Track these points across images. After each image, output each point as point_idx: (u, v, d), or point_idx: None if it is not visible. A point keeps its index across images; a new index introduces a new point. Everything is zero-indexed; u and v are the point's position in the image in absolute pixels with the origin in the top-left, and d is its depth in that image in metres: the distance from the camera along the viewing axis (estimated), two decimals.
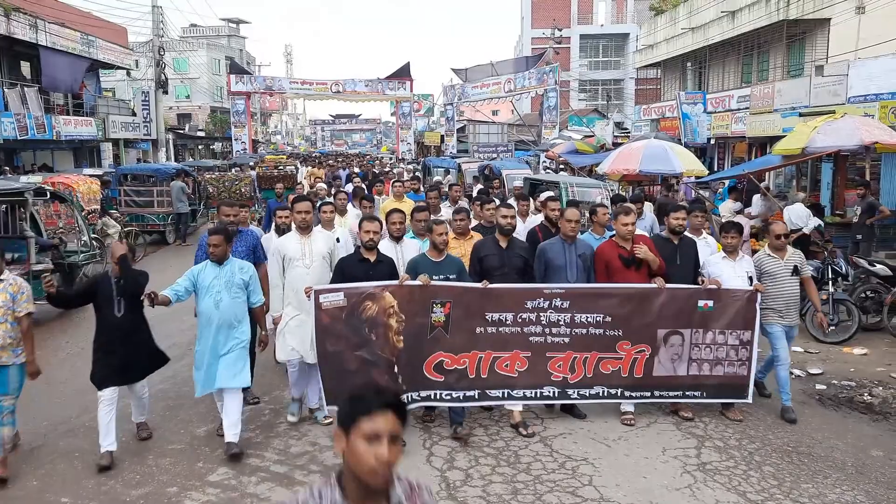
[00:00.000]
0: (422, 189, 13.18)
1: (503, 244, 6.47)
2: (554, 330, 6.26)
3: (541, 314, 6.23)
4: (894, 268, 9.84)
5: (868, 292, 9.74)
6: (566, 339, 6.28)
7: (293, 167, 21.59)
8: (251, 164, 23.96)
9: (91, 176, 17.02)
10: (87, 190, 15.06)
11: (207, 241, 5.96)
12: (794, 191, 16.36)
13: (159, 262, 14.91)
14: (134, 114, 32.94)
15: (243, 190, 18.66)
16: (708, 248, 7.22)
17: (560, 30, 41.11)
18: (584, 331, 6.29)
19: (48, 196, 12.02)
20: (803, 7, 20.59)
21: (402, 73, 42.59)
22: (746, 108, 21.85)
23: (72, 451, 5.96)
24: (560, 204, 7.90)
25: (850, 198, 14.21)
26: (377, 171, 24.58)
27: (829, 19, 20.01)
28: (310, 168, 25.27)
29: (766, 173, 17.74)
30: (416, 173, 22.86)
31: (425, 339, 6.07)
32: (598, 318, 6.28)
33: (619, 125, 34.39)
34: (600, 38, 51.67)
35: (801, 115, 16.92)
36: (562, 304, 6.23)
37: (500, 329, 6.20)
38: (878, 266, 9.89)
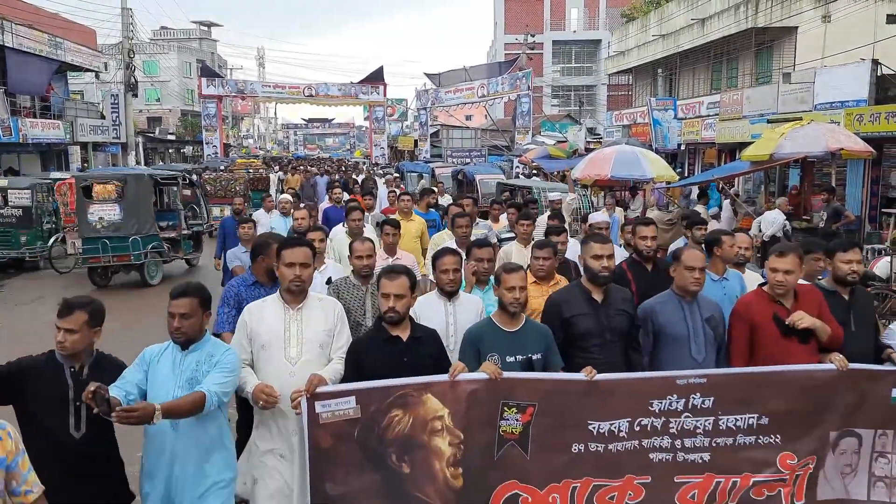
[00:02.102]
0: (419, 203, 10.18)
1: (597, 297, 4.19)
2: (687, 442, 3.99)
3: (670, 420, 3.96)
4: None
5: None
6: (705, 456, 4.00)
7: (263, 171, 21.54)
8: (221, 167, 23.75)
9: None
10: (101, 190, 15.57)
11: (169, 309, 3.58)
12: (762, 196, 16.62)
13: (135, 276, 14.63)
14: (103, 117, 32.50)
15: (237, 189, 19.36)
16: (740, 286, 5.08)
17: (533, 36, 41.36)
18: (731, 440, 4.01)
19: (186, 181, 16.23)
20: (771, 15, 20.97)
21: (376, 78, 42.50)
22: (716, 114, 22.25)
23: None
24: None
25: (815, 203, 14.49)
26: (359, 180, 24.16)
27: (797, 27, 20.39)
28: (287, 174, 24.69)
29: (736, 179, 18.03)
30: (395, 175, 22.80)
31: (490, 461, 3.83)
32: (751, 422, 3.99)
33: (591, 131, 34.69)
34: (573, 45, 52.29)
35: (769, 121, 17.27)
36: (702, 401, 3.95)
37: (610, 446, 3.92)
38: None
